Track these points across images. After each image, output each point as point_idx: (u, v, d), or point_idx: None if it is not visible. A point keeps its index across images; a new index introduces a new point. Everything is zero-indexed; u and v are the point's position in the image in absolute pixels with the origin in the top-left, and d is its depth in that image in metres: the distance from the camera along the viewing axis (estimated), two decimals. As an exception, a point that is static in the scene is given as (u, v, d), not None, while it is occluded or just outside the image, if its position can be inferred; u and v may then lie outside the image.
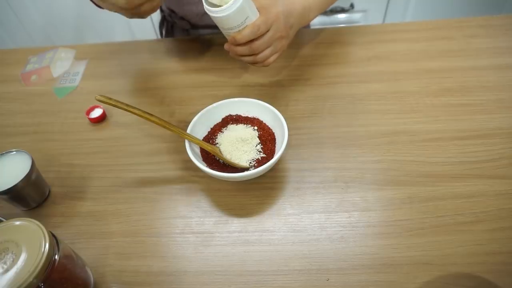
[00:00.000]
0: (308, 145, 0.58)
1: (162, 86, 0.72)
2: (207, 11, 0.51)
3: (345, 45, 0.77)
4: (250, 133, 0.56)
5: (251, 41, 0.54)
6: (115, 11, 0.54)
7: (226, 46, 0.57)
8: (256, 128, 0.58)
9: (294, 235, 0.48)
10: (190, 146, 0.53)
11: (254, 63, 0.59)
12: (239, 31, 0.53)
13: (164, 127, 0.51)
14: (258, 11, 0.54)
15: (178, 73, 0.74)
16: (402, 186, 0.52)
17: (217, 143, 0.56)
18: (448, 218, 0.48)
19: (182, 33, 0.88)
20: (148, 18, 1.60)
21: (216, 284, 0.45)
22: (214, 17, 0.51)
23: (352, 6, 1.60)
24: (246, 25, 0.52)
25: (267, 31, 0.55)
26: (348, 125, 0.61)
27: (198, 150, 0.55)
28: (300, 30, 0.82)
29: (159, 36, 0.97)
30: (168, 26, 0.91)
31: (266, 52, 0.57)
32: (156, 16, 1.55)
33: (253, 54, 0.57)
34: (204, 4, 0.51)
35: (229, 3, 0.49)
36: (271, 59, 0.58)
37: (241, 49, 0.56)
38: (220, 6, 0.50)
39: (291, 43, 0.78)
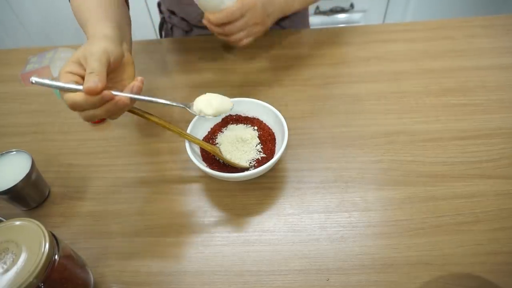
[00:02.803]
0: (308, 145, 0.58)
1: (162, 86, 0.72)
2: None
3: (345, 45, 0.77)
4: (250, 133, 0.56)
5: (225, 24, 0.57)
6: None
7: (203, 21, 0.60)
8: (256, 128, 0.58)
9: (294, 235, 0.48)
10: (190, 146, 0.53)
11: (228, 42, 0.62)
12: (213, 13, 0.57)
13: (164, 127, 0.51)
14: None
15: (178, 73, 0.74)
16: (402, 186, 0.52)
17: (217, 143, 0.56)
18: (449, 218, 0.48)
19: (182, 35, 0.88)
20: (148, 19, 1.61)
21: (216, 284, 0.45)
22: None
23: (352, 6, 1.60)
24: (222, 9, 0.56)
25: (242, 17, 0.57)
26: (348, 125, 0.61)
27: (198, 150, 0.55)
28: (300, 30, 0.82)
29: (158, 38, 0.97)
30: (168, 28, 0.91)
31: (239, 35, 0.60)
32: (156, 18, 1.56)
33: (226, 35, 0.60)
34: None
35: None
36: (244, 41, 0.62)
37: (215, 29, 0.59)
38: None
39: (292, 43, 0.79)
